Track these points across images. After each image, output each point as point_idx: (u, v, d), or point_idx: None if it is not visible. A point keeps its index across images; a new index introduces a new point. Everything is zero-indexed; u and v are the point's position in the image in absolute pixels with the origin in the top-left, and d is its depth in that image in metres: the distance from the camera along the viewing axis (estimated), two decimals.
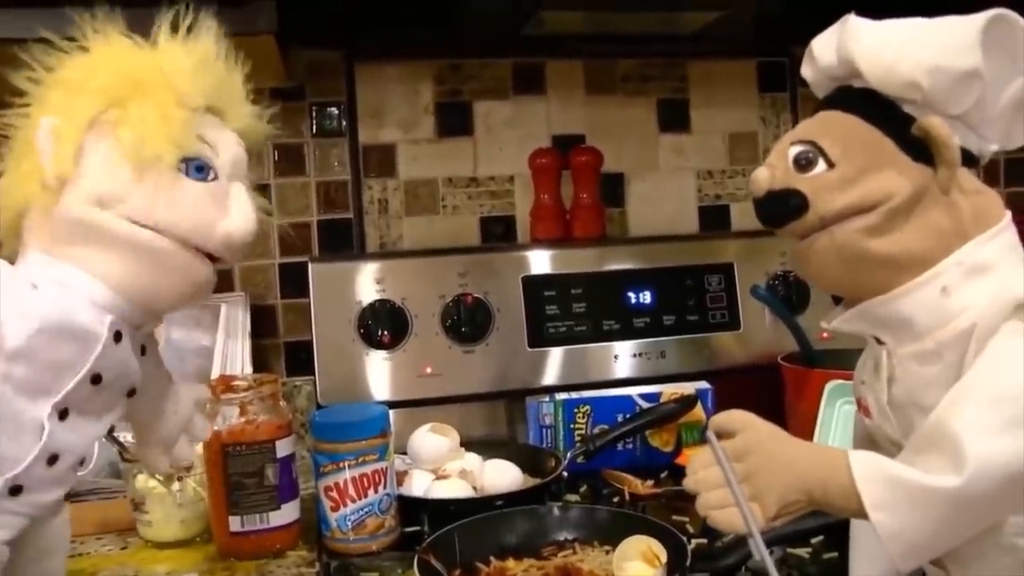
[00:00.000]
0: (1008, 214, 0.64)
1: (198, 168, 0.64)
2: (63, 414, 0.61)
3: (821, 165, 0.64)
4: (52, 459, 0.61)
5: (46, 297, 0.59)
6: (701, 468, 0.64)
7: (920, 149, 0.62)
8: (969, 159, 0.64)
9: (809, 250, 0.65)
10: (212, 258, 0.66)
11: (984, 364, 0.58)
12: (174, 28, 0.66)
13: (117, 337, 0.62)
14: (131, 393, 0.66)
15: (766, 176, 0.66)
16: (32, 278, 0.60)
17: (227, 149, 0.67)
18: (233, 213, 0.65)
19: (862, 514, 0.58)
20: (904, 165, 0.62)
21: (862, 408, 0.70)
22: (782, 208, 0.65)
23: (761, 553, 0.60)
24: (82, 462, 0.65)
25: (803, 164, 0.64)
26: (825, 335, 1.38)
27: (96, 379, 0.61)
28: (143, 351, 0.67)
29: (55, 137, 0.61)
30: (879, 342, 0.66)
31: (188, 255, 0.64)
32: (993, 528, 0.60)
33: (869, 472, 0.58)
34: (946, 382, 0.59)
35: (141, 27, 0.66)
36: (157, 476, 1.01)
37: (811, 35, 0.70)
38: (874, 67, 0.63)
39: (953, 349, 0.60)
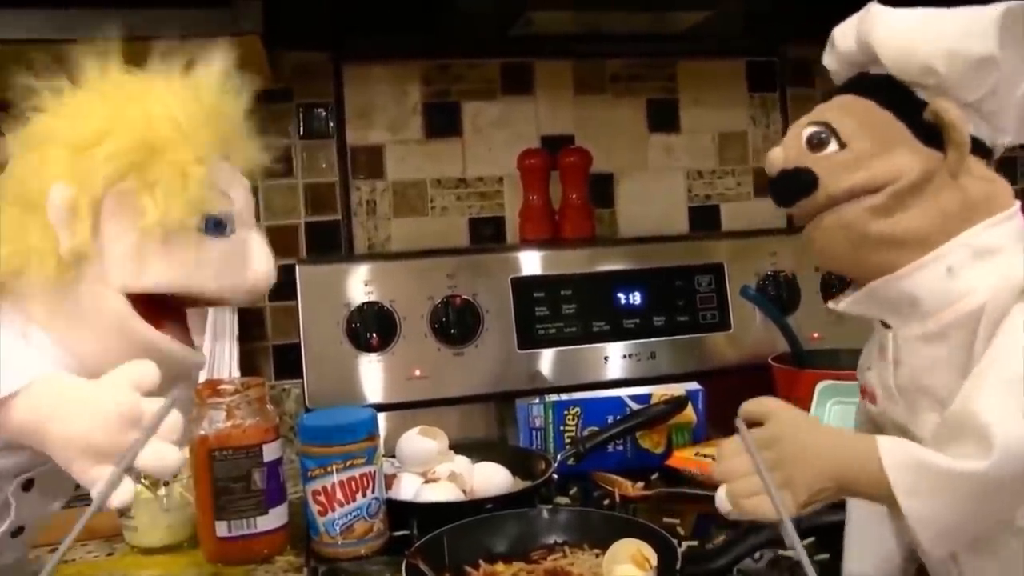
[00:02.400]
0: (1018, 203, 0.65)
1: (216, 224, 0.65)
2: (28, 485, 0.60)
3: (833, 145, 0.65)
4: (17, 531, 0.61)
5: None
6: (729, 457, 0.63)
7: (932, 134, 0.63)
8: (982, 150, 0.65)
9: (816, 229, 0.66)
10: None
11: (999, 349, 0.58)
12: (178, 64, 0.64)
13: None
14: None
15: (780, 156, 0.67)
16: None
17: (241, 198, 0.68)
18: (255, 262, 0.68)
19: (891, 500, 0.58)
20: (915, 148, 0.63)
21: (867, 395, 0.70)
22: (793, 186, 0.66)
23: (793, 541, 0.58)
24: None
25: (815, 144, 0.65)
26: (816, 335, 1.38)
27: None
28: None
29: (71, 210, 0.59)
30: (885, 326, 0.67)
31: (188, 353, 0.66)
32: None
33: (898, 458, 0.58)
34: (952, 364, 0.60)
35: (138, 59, 0.64)
36: (143, 481, 1.00)
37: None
38: (892, 51, 0.64)
39: (959, 330, 0.61)
